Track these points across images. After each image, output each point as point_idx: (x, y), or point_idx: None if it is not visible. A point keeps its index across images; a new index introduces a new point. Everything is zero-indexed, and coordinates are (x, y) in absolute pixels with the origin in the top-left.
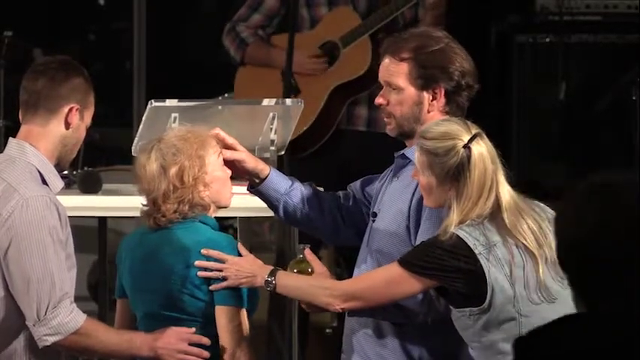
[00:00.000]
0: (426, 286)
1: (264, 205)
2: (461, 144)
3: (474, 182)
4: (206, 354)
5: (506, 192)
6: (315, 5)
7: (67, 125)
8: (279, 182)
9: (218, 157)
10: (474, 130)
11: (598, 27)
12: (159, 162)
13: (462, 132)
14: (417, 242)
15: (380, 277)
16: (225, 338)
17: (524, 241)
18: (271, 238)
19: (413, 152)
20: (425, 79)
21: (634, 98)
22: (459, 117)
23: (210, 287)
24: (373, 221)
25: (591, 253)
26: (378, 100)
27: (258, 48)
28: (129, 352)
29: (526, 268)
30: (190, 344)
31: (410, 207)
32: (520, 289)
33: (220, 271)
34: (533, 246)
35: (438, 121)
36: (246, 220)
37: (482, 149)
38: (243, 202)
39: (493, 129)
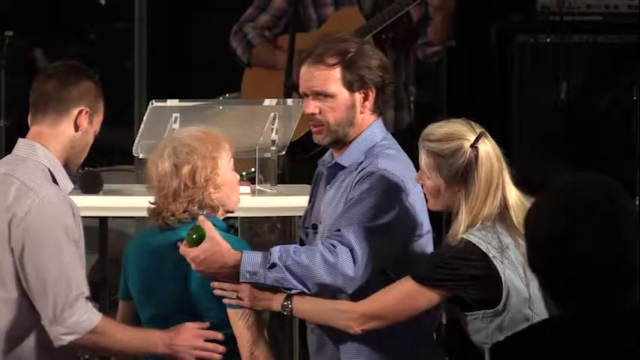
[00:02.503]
0: (443, 297)
1: (264, 205)
2: (467, 144)
3: (481, 181)
4: (221, 348)
5: (512, 190)
6: (322, 5)
7: (77, 128)
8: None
9: (229, 161)
10: (478, 129)
11: (599, 27)
12: (172, 160)
13: (467, 132)
14: (341, 222)
15: (395, 295)
16: (242, 338)
17: None
18: (272, 238)
19: (347, 159)
20: (356, 82)
21: (634, 98)
22: (462, 118)
23: (225, 301)
24: (315, 233)
25: (561, 254)
26: (310, 109)
27: (263, 50)
28: (145, 350)
29: None
30: (204, 340)
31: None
32: (534, 290)
33: (236, 290)
34: None
35: (440, 123)
36: (247, 220)
37: (489, 148)
38: (243, 202)
39: (493, 129)
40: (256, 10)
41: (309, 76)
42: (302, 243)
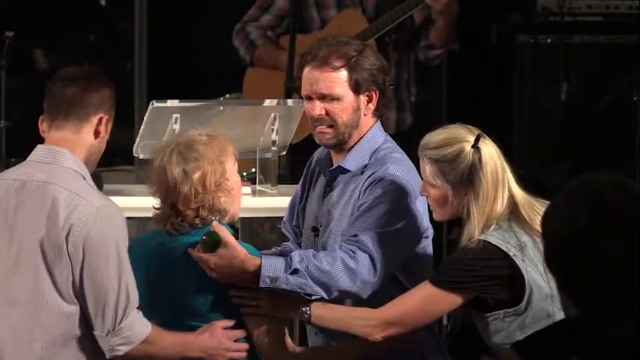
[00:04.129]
0: (464, 299)
1: (264, 205)
2: (468, 146)
3: (488, 180)
4: (246, 345)
5: (517, 187)
6: (324, 7)
7: (97, 135)
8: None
9: (234, 164)
10: (476, 131)
11: (599, 27)
12: (181, 166)
13: (465, 134)
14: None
15: (415, 300)
16: (261, 346)
17: None
18: (272, 238)
19: (351, 162)
20: (361, 84)
21: (635, 99)
22: (457, 123)
23: (242, 310)
24: (316, 236)
25: (579, 253)
26: (316, 111)
27: (266, 50)
28: (182, 355)
29: None
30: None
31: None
32: (554, 286)
33: (255, 297)
34: None
35: (437, 130)
36: (248, 221)
37: (490, 147)
38: (244, 203)
39: (494, 129)
40: (259, 10)
41: (315, 79)
42: (286, 240)
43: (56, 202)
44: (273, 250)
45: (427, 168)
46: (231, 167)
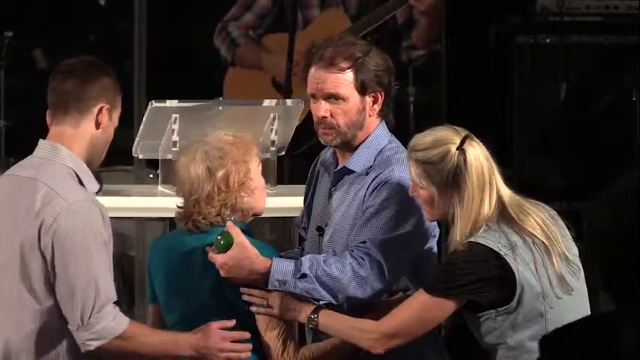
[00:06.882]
0: (460, 304)
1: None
2: (454, 147)
3: (473, 182)
4: (249, 346)
5: (505, 188)
6: (307, 7)
7: (98, 125)
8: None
9: (258, 165)
10: (463, 132)
11: (598, 28)
12: (205, 164)
13: (452, 136)
14: (362, 234)
15: (411, 310)
16: (272, 347)
17: (536, 236)
18: (271, 238)
19: (356, 163)
20: (367, 85)
21: (634, 99)
22: (445, 124)
23: (252, 308)
24: (320, 236)
25: (624, 252)
26: (321, 112)
27: (248, 49)
28: (173, 353)
29: (545, 263)
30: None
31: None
32: (546, 285)
33: (266, 298)
34: (545, 239)
35: (424, 132)
36: None
37: (476, 148)
38: None
39: (493, 129)
40: (240, 9)
41: (321, 79)
42: (301, 240)
43: (34, 198)
44: (295, 250)
45: (413, 170)
46: (255, 168)
